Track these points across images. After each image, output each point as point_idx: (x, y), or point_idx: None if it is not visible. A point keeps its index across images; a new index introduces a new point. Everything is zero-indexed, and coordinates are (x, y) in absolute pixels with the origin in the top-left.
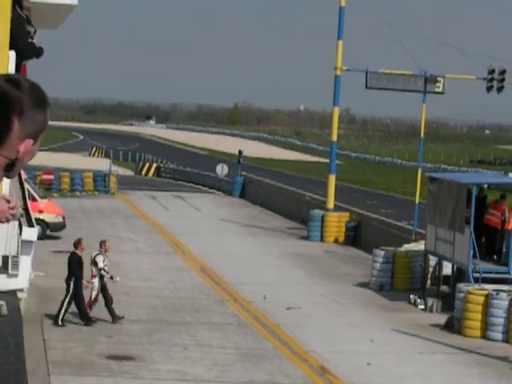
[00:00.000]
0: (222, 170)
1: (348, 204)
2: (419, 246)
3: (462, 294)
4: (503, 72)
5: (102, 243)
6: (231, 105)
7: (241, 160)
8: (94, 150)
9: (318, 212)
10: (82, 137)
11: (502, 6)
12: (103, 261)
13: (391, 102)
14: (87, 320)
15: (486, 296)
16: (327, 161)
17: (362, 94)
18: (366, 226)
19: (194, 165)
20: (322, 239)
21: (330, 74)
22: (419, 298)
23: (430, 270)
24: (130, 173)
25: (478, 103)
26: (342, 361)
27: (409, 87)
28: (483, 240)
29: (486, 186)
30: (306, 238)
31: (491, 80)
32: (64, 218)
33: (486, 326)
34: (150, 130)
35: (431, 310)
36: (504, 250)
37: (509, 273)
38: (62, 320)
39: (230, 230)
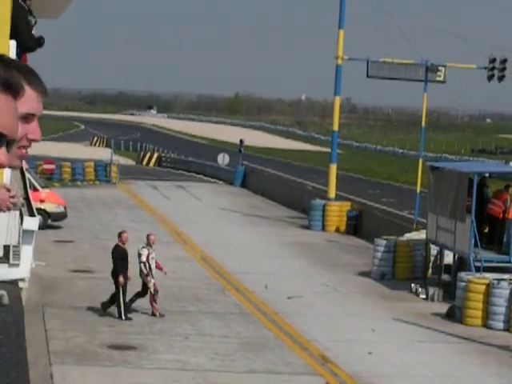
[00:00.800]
0: (223, 159)
1: (349, 193)
2: (420, 235)
3: (463, 283)
4: (504, 61)
5: (148, 236)
6: (232, 94)
7: (242, 149)
8: (95, 139)
9: (319, 201)
10: (83, 126)
11: None
12: (147, 254)
13: (392, 91)
14: (105, 307)
15: (487, 285)
16: (329, 150)
17: (363, 83)
18: (368, 215)
19: (195, 154)
20: (323, 228)
21: (331, 63)
22: (420, 287)
23: (432, 259)
24: (131, 162)
25: (480, 92)
26: (343, 350)
27: (410, 76)
28: (485, 229)
29: (487, 174)
30: (308, 227)
31: (492, 69)
32: (65, 207)
33: (487, 314)
34: (151, 119)
35: (432, 299)
36: (505, 239)
37: (510, 262)
38: (126, 314)
39: (231, 220)
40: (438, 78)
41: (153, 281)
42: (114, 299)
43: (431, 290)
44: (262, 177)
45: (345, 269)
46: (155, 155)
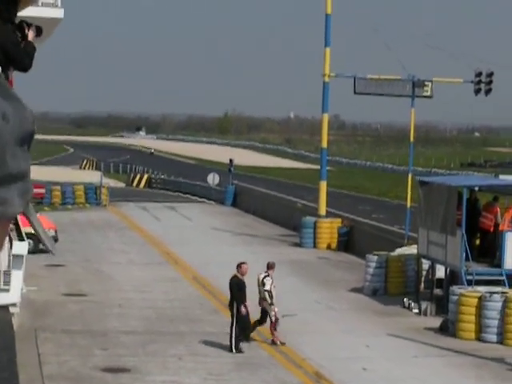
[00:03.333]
0: (213, 179)
1: (340, 210)
2: (412, 249)
3: (455, 297)
4: (491, 74)
5: (270, 265)
6: (221, 114)
7: (232, 169)
8: (84, 162)
9: (310, 219)
10: (72, 150)
11: (488, 8)
12: (271, 283)
13: (380, 107)
14: (237, 345)
15: (480, 298)
16: (318, 167)
17: (351, 99)
18: (359, 231)
19: (185, 175)
20: (314, 246)
21: (318, 80)
22: (413, 301)
23: (424, 273)
24: (121, 184)
25: (467, 106)
26: (337, 367)
27: (397, 92)
28: (477, 242)
29: (476, 188)
30: (299, 244)
31: (479, 82)
32: (56, 231)
33: (480, 327)
34: (141, 141)
35: (425, 314)
36: (497, 252)
37: (502, 274)
38: (237, 347)
39: (223, 239)
40: (424, 93)
41: (277, 309)
42: (245, 329)
43: (424, 305)
44: (253, 196)
45: (337, 285)
46: (145, 177)
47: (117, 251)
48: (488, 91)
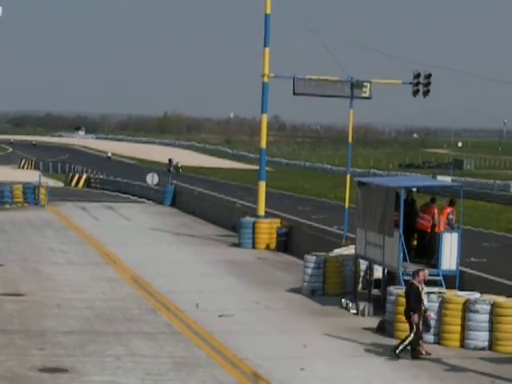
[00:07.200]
0: (152, 179)
1: (279, 210)
2: (350, 250)
3: (392, 297)
4: (429, 76)
5: (417, 272)
6: (161, 114)
7: (171, 169)
8: (23, 162)
9: (248, 219)
10: (10, 149)
11: (427, 10)
12: (421, 290)
13: (321, 108)
14: (415, 354)
15: None
16: (258, 168)
17: (291, 100)
18: (297, 231)
19: (124, 175)
20: (253, 246)
21: (258, 81)
22: (351, 302)
23: (361, 273)
24: (60, 184)
25: (406, 107)
26: (275, 367)
27: (336, 93)
28: (414, 243)
29: (414, 189)
30: (238, 245)
31: (417, 84)
32: None
33: None
34: (80, 140)
35: (363, 314)
36: (434, 252)
37: (438, 275)
38: (401, 352)
39: (162, 239)
40: (363, 94)
41: (433, 315)
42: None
43: (361, 305)
44: (192, 196)
45: (276, 286)
46: (84, 176)
47: (55, 251)
48: (426, 93)
